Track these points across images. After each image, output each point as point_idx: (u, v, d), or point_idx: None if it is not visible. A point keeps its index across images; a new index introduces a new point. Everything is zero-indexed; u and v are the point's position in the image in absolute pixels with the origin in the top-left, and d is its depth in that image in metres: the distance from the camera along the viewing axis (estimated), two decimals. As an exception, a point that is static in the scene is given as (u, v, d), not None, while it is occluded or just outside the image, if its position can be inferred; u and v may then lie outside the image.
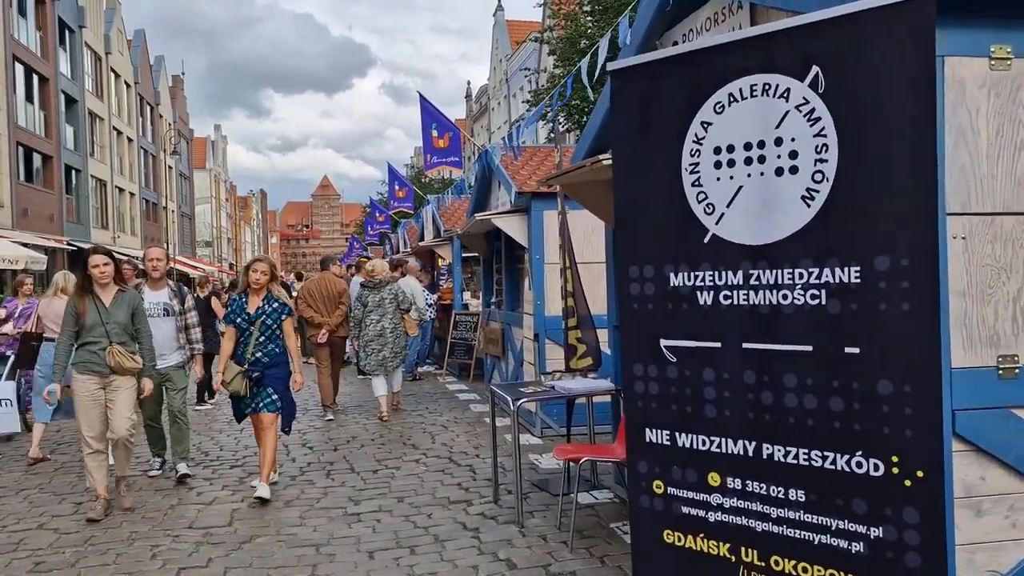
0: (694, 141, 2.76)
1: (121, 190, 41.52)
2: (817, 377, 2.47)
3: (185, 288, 6.68)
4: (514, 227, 7.57)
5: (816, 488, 2.48)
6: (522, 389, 5.23)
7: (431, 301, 12.50)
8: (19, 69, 29.29)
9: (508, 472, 6.25)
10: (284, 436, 8.04)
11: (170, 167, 53.30)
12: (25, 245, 25.25)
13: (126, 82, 43.41)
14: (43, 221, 30.24)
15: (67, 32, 34.82)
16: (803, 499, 2.51)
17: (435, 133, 11.81)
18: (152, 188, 47.62)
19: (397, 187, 14.91)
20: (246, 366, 5.81)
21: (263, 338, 5.88)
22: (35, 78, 30.82)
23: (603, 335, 7.42)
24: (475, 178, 9.45)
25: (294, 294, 15.37)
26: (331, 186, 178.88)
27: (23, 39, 29.62)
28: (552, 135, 16.05)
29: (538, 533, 4.92)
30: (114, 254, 5.62)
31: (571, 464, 5.13)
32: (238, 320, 5.93)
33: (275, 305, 5.96)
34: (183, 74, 61.22)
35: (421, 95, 9.83)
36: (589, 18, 15.88)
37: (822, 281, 2.46)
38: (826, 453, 2.46)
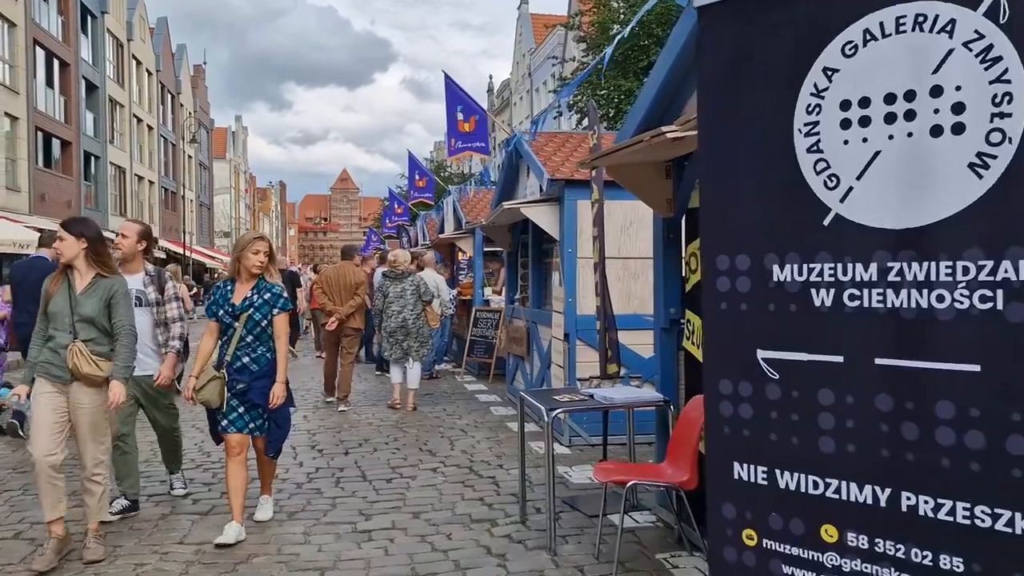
0: (813, 94, 2.13)
1: (140, 178, 41.32)
2: (986, 407, 1.85)
3: (166, 274, 5.35)
4: (545, 217, 6.94)
5: (983, 556, 1.86)
6: (556, 398, 4.61)
7: (452, 295, 11.90)
8: (40, 54, 29.03)
9: (536, 487, 5.64)
10: (292, 436, 7.51)
11: (190, 156, 53.10)
12: (40, 230, 24.96)
13: (147, 70, 43.20)
14: (60, 207, 29.96)
15: (89, 18, 34.58)
16: (961, 569, 1.89)
17: (460, 116, 11.18)
18: (171, 177, 47.44)
19: (417, 176, 14.20)
20: (224, 371, 4.62)
21: (251, 337, 4.66)
22: (56, 63, 30.56)
23: (640, 338, 6.81)
24: (501, 166, 8.83)
25: (307, 284, 14.89)
26: (350, 179, 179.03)
27: (44, 23, 29.36)
28: (581, 117, 15.35)
29: (573, 563, 4.31)
30: (93, 230, 4.45)
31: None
32: (221, 313, 4.71)
33: (267, 296, 4.69)
34: (205, 63, 61.06)
35: (446, 75, 9.17)
36: (621, 2, 15.20)
37: (998, 278, 1.83)
38: (999, 511, 1.83)
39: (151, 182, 43.26)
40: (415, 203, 14.68)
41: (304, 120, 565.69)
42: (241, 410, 4.71)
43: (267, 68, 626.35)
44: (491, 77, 67.88)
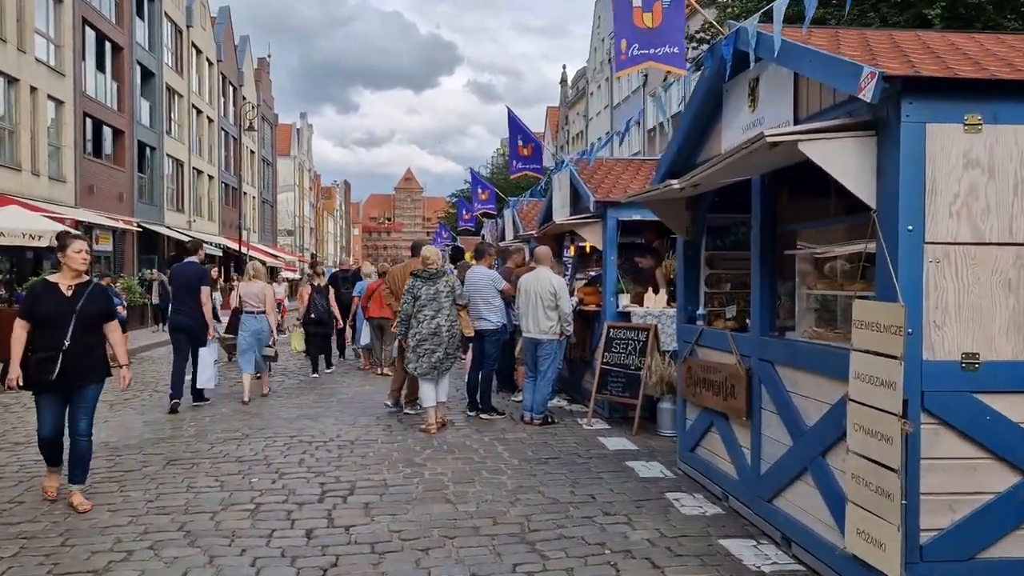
0: None
1: (199, 172, 39.24)
2: None
3: None
4: (848, 161, 3.42)
5: None
6: None
7: (573, 305, 8.44)
8: (90, 34, 26.83)
9: None
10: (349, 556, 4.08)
11: (252, 152, 51.16)
12: (80, 224, 22.58)
13: (208, 59, 41.11)
14: (111, 200, 27.76)
15: (145, 0, 32.43)
16: None
17: (520, 143, 9.46)
18: (232, 172, 45.37)
19: (521, 142, 10.67)
20: None
21: None
22: (108, 46, 28.36)
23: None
24: (696, 88, 5.34)
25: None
26: (414, 179, 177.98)
27: (95, 3, 27.15)
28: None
29: None
30: None
31: None
32: None
33: None
34: (269, 56, 59.22)
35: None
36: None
37: None
38: None
39: (210, 176, 41.18)
40: (519, 175, 11.16)
41: (369, 122, 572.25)
42: None
43: (335, 72, 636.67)
44: (564, 67, 64.41)
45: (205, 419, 8.47)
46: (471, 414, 8.44)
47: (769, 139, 3.41)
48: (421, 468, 6.26)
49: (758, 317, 4.75)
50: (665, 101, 6.81)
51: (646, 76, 38.78)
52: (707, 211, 5.90)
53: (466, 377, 8.98)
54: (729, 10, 12.96)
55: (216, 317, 10.83)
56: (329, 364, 12.42)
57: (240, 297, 9.89)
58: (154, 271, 24.07)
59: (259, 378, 10.18)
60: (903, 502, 3.28)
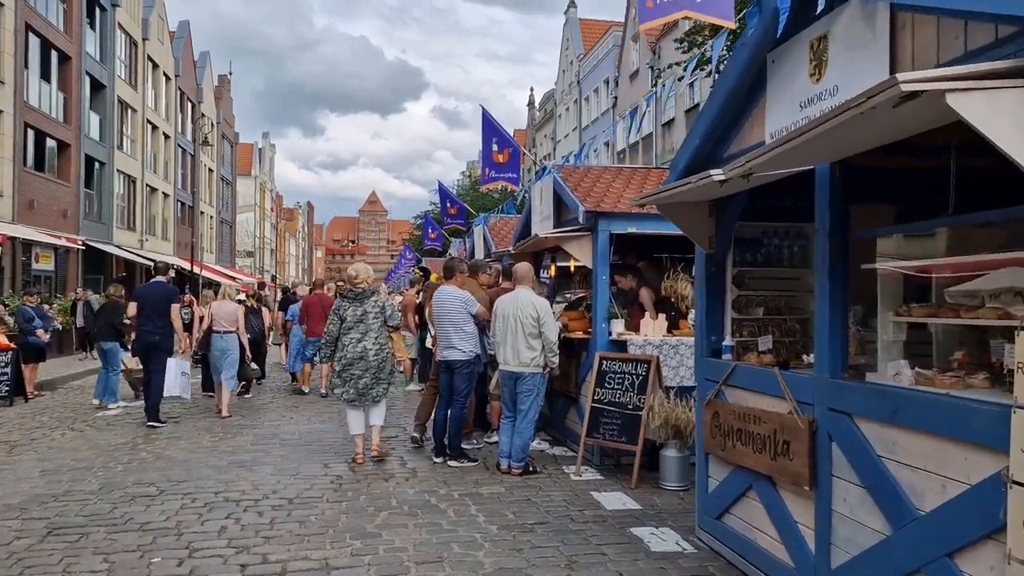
0: None
1: (153, 189, 37.43)
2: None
3: None
4: (1015, 121, 2.28)
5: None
6: None
7: (559, 330, 7.20)
8: (33, 41, 25.19)
9: None
10: None
11: (211, 170, 49.33)
12: (16, 240, 20.83)
13: (165, 74, 39.45)
14: (54, 216, 25.95)
15: (97, 9, 30.83)
16: None
17: (495, 147, 8.92)
18: (189, 191, 43.52)
19: (496, 147, 9.30)
20: None
21: None
22: (54, 55, 26.70)
23: None
24: (733, 59, 4.20)
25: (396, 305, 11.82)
26: (379, 202, 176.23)
27: (41, 8, 25.54)
28: None
29: None
30: None
31: None
32: None
33: None
34: (230, 74, 57.59)
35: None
36: None
37: None
38: None
39: (165, 194, 39.36)
40: (491, 186, 9.88)
41: (335, 146, 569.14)
42: None
43: (301, 95, 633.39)
44: (532, 90, 63.89)
45: (118, 467, 7.05)
46: (437, 460, 7.14)
47: (905, 87, 2.24)
48: (375, 539, 4.94)
49: (827, 352, 3.56)
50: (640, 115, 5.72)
51: (616, 98, 38.17)
52: (736, 218, 4.74)
53: (433, 414, 7.68)
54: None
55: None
56: (248, 388, 12.08)
57: (211, 316, 10.10)
58: (79, 290, 21.77)
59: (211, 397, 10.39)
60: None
